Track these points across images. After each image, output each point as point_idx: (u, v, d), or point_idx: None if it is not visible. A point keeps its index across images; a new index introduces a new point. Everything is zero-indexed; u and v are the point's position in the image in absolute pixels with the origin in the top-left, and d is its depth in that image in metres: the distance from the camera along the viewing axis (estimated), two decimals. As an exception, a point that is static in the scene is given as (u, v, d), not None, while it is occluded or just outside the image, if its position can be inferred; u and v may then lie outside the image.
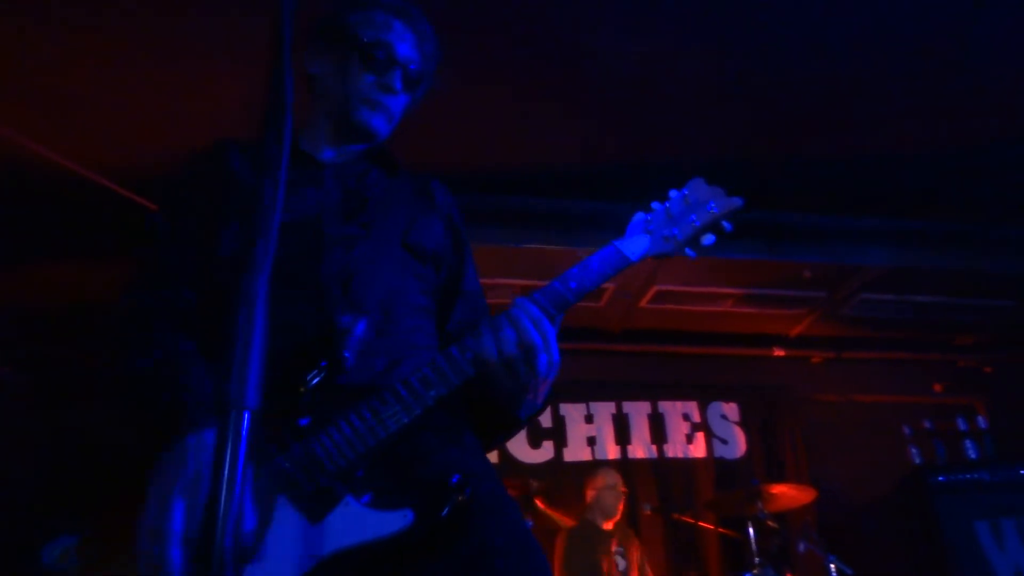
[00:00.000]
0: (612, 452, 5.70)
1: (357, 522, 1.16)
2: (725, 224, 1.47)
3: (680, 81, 3.62)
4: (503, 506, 1.34)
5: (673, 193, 1.50)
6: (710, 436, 5.92)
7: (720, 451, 5.90)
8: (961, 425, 4.88)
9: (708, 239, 1.48)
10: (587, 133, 4.00)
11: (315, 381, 1.25)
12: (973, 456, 4.76)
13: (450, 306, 1.56)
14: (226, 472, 0.71)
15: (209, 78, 3.37)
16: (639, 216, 1.49)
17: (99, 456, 1.28)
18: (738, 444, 5.95)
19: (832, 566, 4.05)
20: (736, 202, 1.48)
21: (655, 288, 5.13)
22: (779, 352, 6.05)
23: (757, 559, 4.16)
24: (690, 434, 5.90)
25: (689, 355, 6.04)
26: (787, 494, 4.39)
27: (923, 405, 5.98)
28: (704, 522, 4.94)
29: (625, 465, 5.52)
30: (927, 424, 4.99)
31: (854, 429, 5.88)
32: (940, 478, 4.34)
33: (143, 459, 1.15)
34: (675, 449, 5.83)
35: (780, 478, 5.41)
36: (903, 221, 4.84)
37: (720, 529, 4.86)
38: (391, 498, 1.19)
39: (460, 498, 1.18)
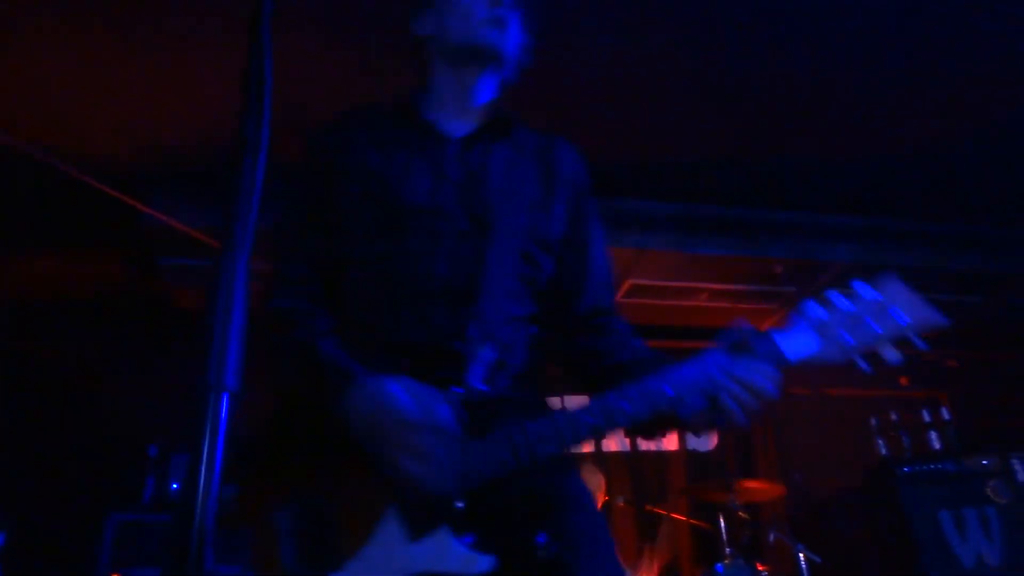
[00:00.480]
0: (586, 445, 5.73)
1: (447, 554, 1.17)
2: (917, 341, 1.23)
3: (660, 80, 3.63)
4: (594, 548, 1.30)
5: (859, 288, 1.29)
6: (683, 429, 5.98)
7: (693, 443, 5.97)
8: (926, 417, 4.98)
9: (891, 356, 1.23)
10: (577, 131, 4.00)
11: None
12: (937, 447, 4.86)
13: (578, 289, 1.54)
14: (205, 454, 0.70)
15: (191, 69, 3.29)
16: (811, 308, 1.29)
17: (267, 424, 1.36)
18: (710, 436, 6.01)
19: (801, 555, 4.11)
20: (937, 319, 1.24)
21: (630, 282, 5.15)
22: (751, 346, 6.11)
23: (728, 549, 4.22)
24: (663, 427, 5.95)
25: (663, 348, 6.06)
26: (759, 488, 4.46)
27: (890, 398, 6.10)
28: (676, 513, 4.99)
29: (599, 458, 5.55)
30: (893, 416, 5.08)
31: (823, 422, 5.98)
32: (905, 469, 4.41)
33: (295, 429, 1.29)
34: (648, 442, 5.87)
35: (751, 469, 5.48)
36: (871, 218, 4.93)
37: (692, 520, 4.91)
38: (482, 539, 1.19)
39: (545, 558, 1.21)
